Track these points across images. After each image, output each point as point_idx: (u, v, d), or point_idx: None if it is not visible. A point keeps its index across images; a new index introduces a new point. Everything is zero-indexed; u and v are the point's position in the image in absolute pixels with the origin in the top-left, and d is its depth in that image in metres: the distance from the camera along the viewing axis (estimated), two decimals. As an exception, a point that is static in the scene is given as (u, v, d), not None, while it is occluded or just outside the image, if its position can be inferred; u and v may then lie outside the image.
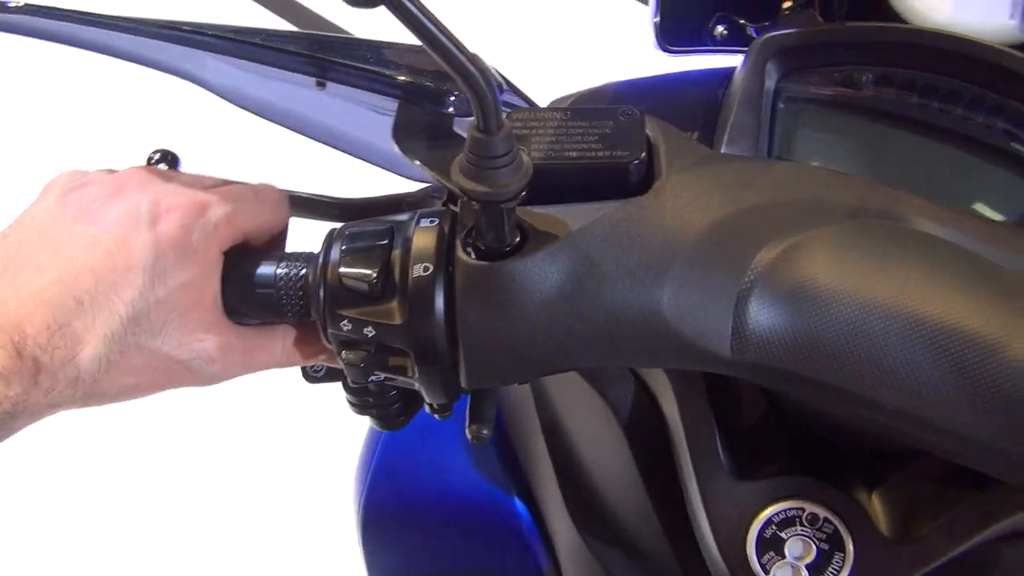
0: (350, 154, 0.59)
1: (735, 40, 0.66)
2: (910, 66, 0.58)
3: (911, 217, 0.42)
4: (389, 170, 0.59)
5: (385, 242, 0.42)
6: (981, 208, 0.59)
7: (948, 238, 0.41)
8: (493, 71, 0.49)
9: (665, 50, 0.65)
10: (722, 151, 0.58)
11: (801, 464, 0.52)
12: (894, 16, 0.63)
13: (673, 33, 0.65)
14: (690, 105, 0.64)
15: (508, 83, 0.52)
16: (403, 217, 0.44)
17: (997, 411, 0.36)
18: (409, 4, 0.31)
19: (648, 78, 0.64)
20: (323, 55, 0.49)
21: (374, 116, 0.53)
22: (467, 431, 0.44)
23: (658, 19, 0.64)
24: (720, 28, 0.66)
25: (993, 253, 0.41)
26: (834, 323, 0.38)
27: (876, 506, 0.51)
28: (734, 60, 0.64)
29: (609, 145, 0.42)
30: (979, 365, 0.36)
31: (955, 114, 0.57)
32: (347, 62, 0.49)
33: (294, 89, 0.52)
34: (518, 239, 0.39)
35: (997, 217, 0.58)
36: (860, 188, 0.44)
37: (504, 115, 0.36)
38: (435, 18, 0.32)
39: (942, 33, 0.57)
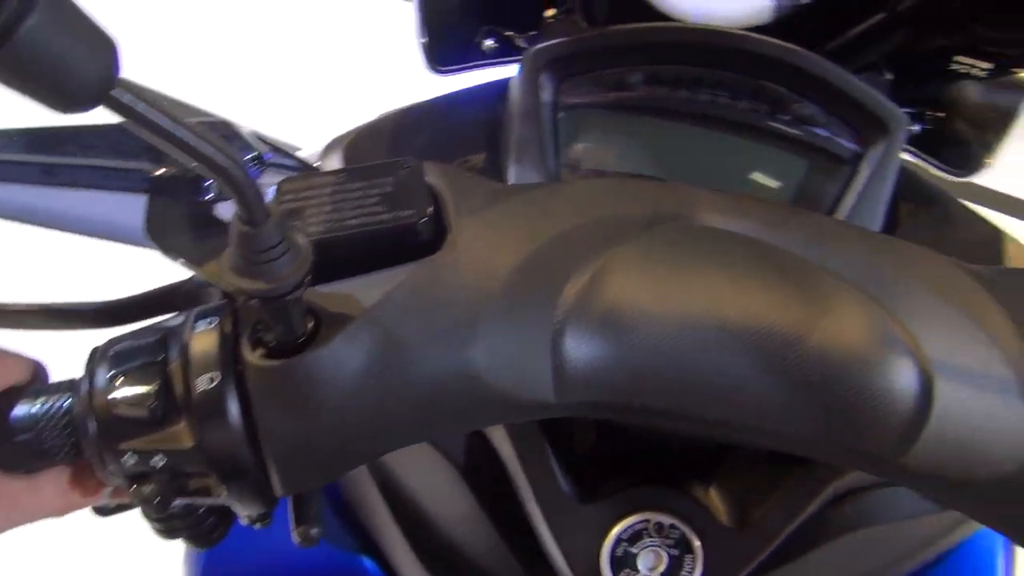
0: (102, 238, 0.52)
1: (505, 52, 0.65)
2: (674, 62, 0.59)
3: (702, 214, 0.42)
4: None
5: (159, 357, 0.37)
6: (760, 187, 0.61)
7: (739, 230, 0.42)
8: (250, 134, 0.44)
9: (436, 71, 0.62)
10: (511, 172, 0.57)
11: (642, 475, 0.52)
12: (656, 14, 0.65)
13: (442, 53, 0.62)
14: (471, 125, 0.62)
15: (271, 143, 0.48)
16: (176, 321, 0.38)
17: (811, 404, 0.37)
18: (133, 101, 0.26)
19: (423, 103, 0.62)
20: (46, 157, 0.43)
21: (123, 197, 0.46)
22: (293, 536, 0.40)
23: (425, 40, 0.61)
24: (489, 42, 0.64)
25: (781, 237, 0.42)
26: (647, 346, 0.37)
27: (715, 499, 0.53)
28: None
29: (392, 206, 0.39)
30: (784, 361, 0.36)
31: (720, 102, 0.59)
32: (77, 162, 0.43)
33: (15, 189, 0.45)
34: (311, 325, 0.36)
35: (775, 191, 0.61)
36: (649, 194, 0.44)
37: (271, 193, 0.32)
38: (167, 110, 0.27)
39: (696, 27, 0.59)
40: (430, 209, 0.39)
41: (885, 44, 0.64)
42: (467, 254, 0.38)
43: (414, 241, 0.39)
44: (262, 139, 0.46)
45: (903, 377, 0.36)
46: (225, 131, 0.48)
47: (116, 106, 0.26)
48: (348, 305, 0.36)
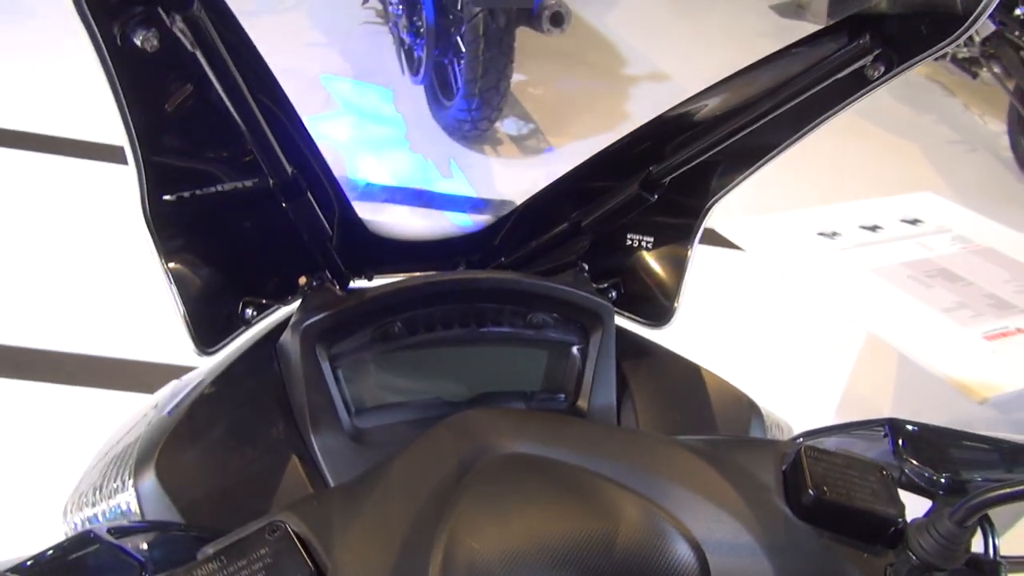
0: None
1: (260, 310, 0.69)
2: (421, 306, 0.68)
3: (497, 441, 0.51)
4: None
5: None
6: (521, 378, 0.72)
7: (531, 450, 0.51)
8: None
9: (205, 353, 0.64)
10: (314, 440, 0.61)
11: None
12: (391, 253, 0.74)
13: (206, 332, 0.64)
14: (258, 398, 0.65)
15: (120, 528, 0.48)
16: None
17: None
18: None
19: (199, 399, 0.63)
20: None
21: None
22: None
23: (189, 327, 0.63)
24: (250, 312, 0.68)
25: (564, 453, 0.51)
26: None
27: None
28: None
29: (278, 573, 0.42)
30: (598, 566, 0.45)
31: (468, 327, 0.69)
32: None
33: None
34: None
35: (531, 380, 0.72)
36: (449, 443, 0.51)
37: None
38: None
39: (432, 277, 0.69)
40: (308, 562, 0.43)
41: (576, 247, 0.79)
42: None
43: None
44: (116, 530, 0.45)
45: (685, 556, 0.47)
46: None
47: None
48: None
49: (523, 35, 2.91)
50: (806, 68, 0.66)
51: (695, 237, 0.79)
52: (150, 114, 0.56)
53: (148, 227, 0.60)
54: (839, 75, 0.65)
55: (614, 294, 0.81)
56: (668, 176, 0.74)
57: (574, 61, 4.01)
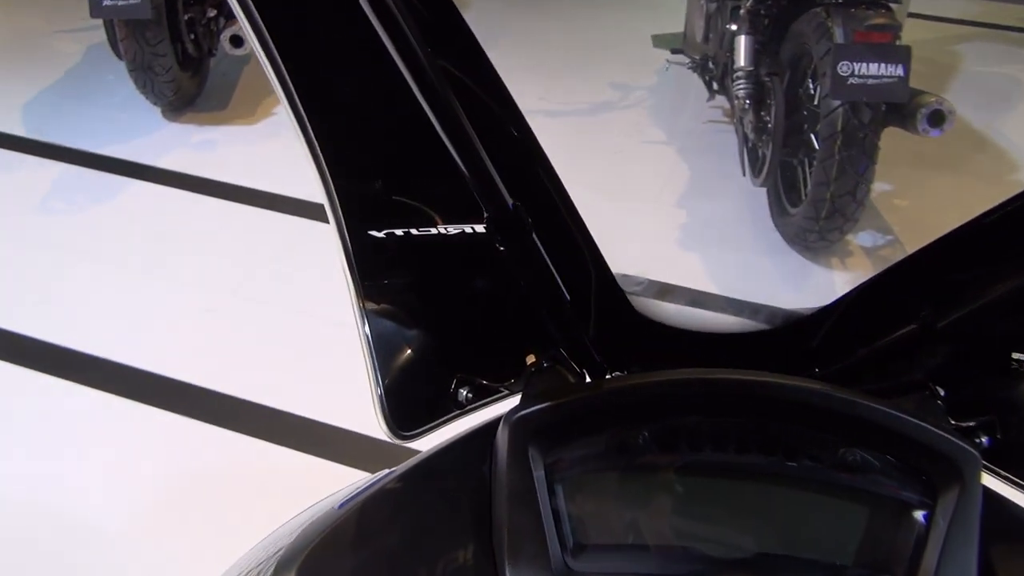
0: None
1: (480, 396, 0.55)
2: (684, 411, 0.48)
3: None
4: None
5: None
6: (819, 548, 0.49)
7: None
8: None
9: (400, 438, 0.52)
10: (507, 574, 0.45)
11: None
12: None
13: (406, 414, 0.52)
14: (455, 492, 0.51)
15: None
16: None
17: None
18: None
19: (387, 487, 0.51)
20: None
21: None
22: None
23: (383, 404, 0.51)
24: (464, 391, 0.54)
25: None
26: None
27: None
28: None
29: None
30: None
31: (766, 458, 0.48)
32: None
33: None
34: None
35: (842, 556, 0.49)
36: None
37: None
38: None
39: (711, 372, 0.49)
40: None
41: (927, 362, 0.54)
42: None
43: None
44: None
45: None
46: None
47: None
48: None
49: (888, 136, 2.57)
50: None
51: None
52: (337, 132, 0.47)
53: (347, 261, 0.49)
54: None
55: (985, 439, 0.55)
56: None
57: (948, 168, 3.48)
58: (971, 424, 0.55)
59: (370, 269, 0.51)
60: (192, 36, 3.23)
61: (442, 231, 0.52)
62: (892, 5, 2.51)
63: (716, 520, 0.50)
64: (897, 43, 2.45)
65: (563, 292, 0.53)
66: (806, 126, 2.82)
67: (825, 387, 0.48)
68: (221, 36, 2.99)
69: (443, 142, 0.47)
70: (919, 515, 0.48)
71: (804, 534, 0.50)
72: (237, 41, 2.82)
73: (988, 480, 0.54)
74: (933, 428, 0.47)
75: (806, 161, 2.84)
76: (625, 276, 0.58)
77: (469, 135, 0.47)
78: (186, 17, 3.18)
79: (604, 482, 0.49)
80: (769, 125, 2.93)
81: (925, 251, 0.53)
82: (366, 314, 0.50)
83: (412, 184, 0.51)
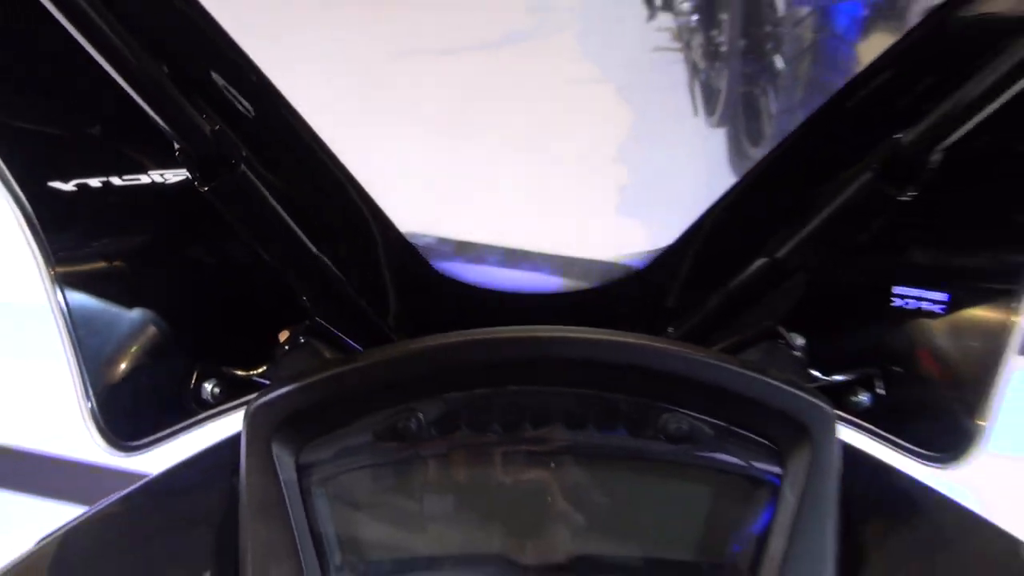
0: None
1: (232, 395, 0.44)
2: (474, 383, 0.38)
3: None
4: None
5: None
6: (649, 540, 0.40)
7: None
8: None
9: (120, 450, 0.40)
10: None
11: None
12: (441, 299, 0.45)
13: (127, 420, 0.41)
14: (193, 514, 0.41)
15: None
16: None
17: None
18: None
19: (147, 485, 0.41)
20: None
21: None
22: None
23: (93, 408, 0.40)
24: (208, 387, 0.43)
25: None
26: None
27: None
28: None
29: None
30: None
31: (579, 432, 0.39)
32: None
33: None
34: None
35: (676, 550, 0.39)
36: None
37: None
38: None
39: (500, 332, 0.38)
40: None
41: (779, 303, 0.44)
42: None
43: None
44: None
45: None
46: None
47: None
48: None
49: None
50: None
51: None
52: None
53: (26, 219, 0.38)
54: None
55: (865, 397, 0.45)
56: (937, 146, 0.38)
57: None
58: (846, 379, 0.45)
59: (63, 232, 0.39)
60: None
61: (155, 180, 0.40)
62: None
63: (520, 518, 0.40)
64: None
65: (309, 248, 0.42)
66: (768, 46, 2.68)
67: (634, 337, 0.38)
68: None
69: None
70: (763, 490, 0.38)
71: (626, 527, 0.40)
72: None
73: (875, 448, 0.45)
74: (772, 381, 0.37)
75: (769, 90, 2.71)
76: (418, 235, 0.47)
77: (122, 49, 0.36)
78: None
79: (373, 481, 0.39)
80: (723, 48, 2.78)
81: (761, 166, 0.43)
82: (60, 288, 0.38)
83: (91, 122, 0.39)
